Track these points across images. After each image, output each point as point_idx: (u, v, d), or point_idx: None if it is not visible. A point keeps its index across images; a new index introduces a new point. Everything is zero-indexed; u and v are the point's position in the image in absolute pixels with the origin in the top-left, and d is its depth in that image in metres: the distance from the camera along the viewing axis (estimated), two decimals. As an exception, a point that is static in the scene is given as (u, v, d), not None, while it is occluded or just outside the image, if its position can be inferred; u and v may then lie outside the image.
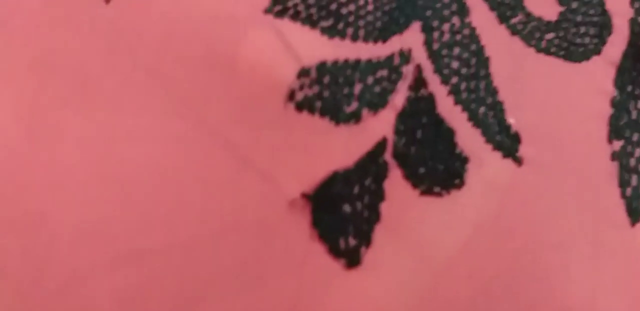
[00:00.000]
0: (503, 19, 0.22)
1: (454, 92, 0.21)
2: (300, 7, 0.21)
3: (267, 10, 0.20)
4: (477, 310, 0.20)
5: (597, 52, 0.23)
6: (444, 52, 0.21)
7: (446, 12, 0.22)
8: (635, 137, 0.22)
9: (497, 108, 0.21)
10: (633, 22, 0.24)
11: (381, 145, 0.20)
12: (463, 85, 0.21)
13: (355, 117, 0.20)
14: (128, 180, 0.19)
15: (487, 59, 0.22)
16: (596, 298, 0.21)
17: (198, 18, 0.20)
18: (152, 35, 0.20)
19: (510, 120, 0.21)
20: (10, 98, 0.20)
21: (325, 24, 0.21)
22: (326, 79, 0.20)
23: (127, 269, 0.18)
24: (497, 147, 0.21)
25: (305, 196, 0.19)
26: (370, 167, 0.20)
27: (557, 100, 0.22)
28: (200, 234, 0.19)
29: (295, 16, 0.21)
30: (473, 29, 0.22)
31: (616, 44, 0.23)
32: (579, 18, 0.23)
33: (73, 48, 0.20)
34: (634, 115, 0.23)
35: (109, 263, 0.18)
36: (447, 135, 0.21)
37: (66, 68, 0.20)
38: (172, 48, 0.20)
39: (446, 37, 0.22)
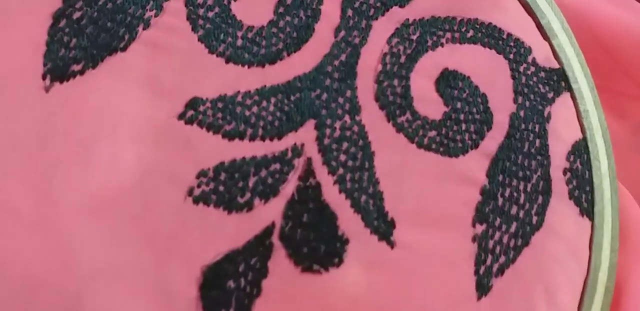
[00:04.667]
0: (391, 117, 0.26)
1: (339, 181, 0.25)
2: (209, 112, 0.25)
3: (179, 117, 0.24)
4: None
5: (475, 146, 0.26)
6: (334, 146, 0.25)
7: (339, 111, 0.26)
8: (497, 222, 0.26)
9: (377, 197, 0.25)
10: (514, 116, 0.27)
11: (268, 229, 0.24)
12: (348, 176, 0.25)
13: (248, 206, 0.24)
14: None
15: (372, 153, 0.25)
16: None
17: None
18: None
19: None
20: None
21: (228, 127, 0.24)
22: (222, 176, 0.24)
23: None
24: (374, 231, 0.25)
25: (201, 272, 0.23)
26: (257, 248, 0.24)
27: (432, 190, 0.26)
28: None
29: (203, 122, 0.24)
30: (362, 126, 0.26)
31: (494, 137, 0.27)
32: (462, 116, 0.27)
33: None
34: (500, 201, 0.26)
35: None
36: (330, 219, 0.24)
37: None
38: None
39: (337, 133, 0.25)
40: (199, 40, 0.26)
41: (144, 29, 0.25)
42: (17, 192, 0.23)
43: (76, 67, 0.25)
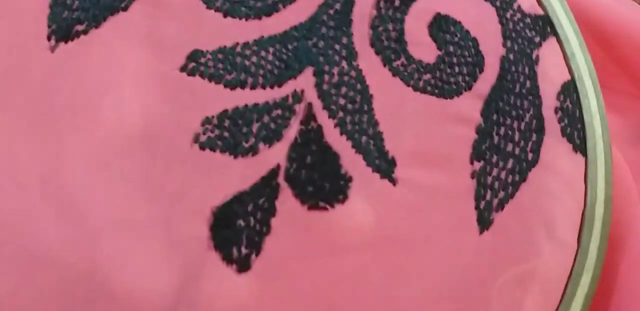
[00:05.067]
0: (386, 62, 0.27)
1: (340, 124, 0.26)
2: (210, 64, 0.26)
3: (182, 69, 0.25)
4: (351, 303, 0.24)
5: (469, 88, 0.27)
6: (333, 91, 0.26)
7: (336, 57, 0.27)
8: (494, 159, 0.27)
9: (377, 137, 0.26)
10: (504, 59, 0.28)
11: (274, 171, 0.25)
12: (348, 119, 0.26)
13: (253, 150, 0.25)
14: None
15: (370, 97, 0.26)
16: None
17: None
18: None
19: None
20: None
21: (229, 77, 0.25)
22: (226, 123, 0.25)
23: None
24: (376, 169, 0.26)
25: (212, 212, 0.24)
26: (264, 189, 0.24)
27: (430, 130, 0.27)
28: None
29: (205, 73, 0.25)
30: (360, 71, 0.27)
31: (487, 79, 0.28)
32: (455, 60, 0.28)
33: None
34: (495, 139, 0.27)
35: None
36: (332, 159, 0.25)
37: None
38: None
39: (335, 78, 0.26)
40: (197, -4, 0.27)
41: (143, -12, 0.26)
42: (26, 149, 0.24)
43: (80, 27, 0.26)
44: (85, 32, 0.26)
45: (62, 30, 0.25)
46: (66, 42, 0.25)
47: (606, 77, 0.35)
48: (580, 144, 0.28)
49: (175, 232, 0.24)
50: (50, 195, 0.24)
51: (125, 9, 0.26)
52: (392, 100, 0.27)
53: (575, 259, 0.27)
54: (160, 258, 0.23)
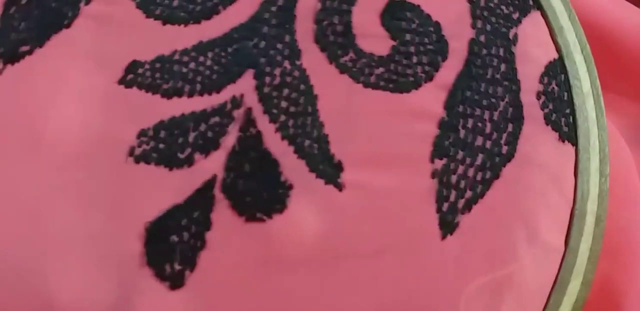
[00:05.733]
0: (333, 58, 0.25)
1: (281, 128, 0.24)
2: (148, 74, 0.25)
3: (120, 81, 0.25)
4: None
5: (429, 79, 0.25)
6: (274, 94, 0.25)
7: (278, 57, 0.25)
8: (459, 155, 0.24)
9: (322, 140, 0.24)
10: (473, 42, 0.25)
11: (210, 183, 0.24)
12: (290, 122, 0.24)
13: (188, 162, 0.24)
14: None
15: (315, 97, 0.25)
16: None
17: None
18: None
19: None
20: None
21: (165, 86, 0.25)
22: (162, 134, 0.24)
23: None
24: (320, 175, 0.24)
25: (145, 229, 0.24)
26: (199, 201, 0.24)
27: (384, 128, 0.24)
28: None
29: (142, 84, 0.25)
30: (303, 70, 0.25)
31: (451, 67, 0.25)
32: (411, 49, 0.25)
33: None
34: (462, 133, 0.24)
35: None
36: (271, 167, 0.24)
37: None
38: None
39: (277, 80, 0.25)
40: (137, 7, 0.26)
41: (85, 4, 0.26)
42: None
43: (25, 48, 0.26)
44: (30, 52, 0.26)
45: (9, 52, 0.26)
46: (12, 64, 0.26)
47: (604, 77, 0.32)
48: (568, 132, 0.25)
49: (111, 247, 0.24)
50: (4, 208, 0.24)
51: (68, 26, 0.26)
52: (339, 99, 0.25)
53: (562, 263, 0.24)
54: (98, 273, 0.23)
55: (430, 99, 0.25)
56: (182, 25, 0.26)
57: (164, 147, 0.24)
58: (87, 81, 0.25)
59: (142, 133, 0.24)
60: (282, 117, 0.24)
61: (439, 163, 0.24)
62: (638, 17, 0.33)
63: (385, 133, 0.24)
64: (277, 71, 0.25)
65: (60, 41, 0.26)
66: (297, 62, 0.25)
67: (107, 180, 0.24)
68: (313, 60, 0.25)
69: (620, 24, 0.33)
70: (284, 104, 0.25)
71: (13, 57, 0.26)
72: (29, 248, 0.24)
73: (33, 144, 0.25)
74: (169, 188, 0.24)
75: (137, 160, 0.24)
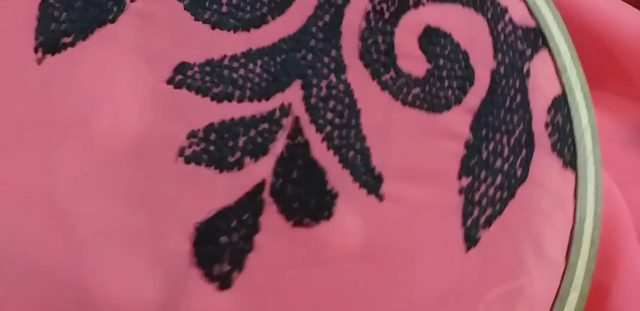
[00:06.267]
0: (375, 75, 0.27)
1: (327, 139, 0.26)
2: (197, 76, 0.25)
3: (169, 81, 0.25)
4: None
5: (458, 102, 0.27)
6: (320, 105, 0.26)
7: (325, 70, 0.26)
8: (482, 174, 0.26)
9: (364, 152, 0.26)
10: (494, 73, 0.28)
11: (259, 186, 0.24)
12: (335, 133, 0.26)
13: (238, 165, 0.25)
14: None
15: (358, 111, 0.26)
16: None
17: None
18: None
19: None
20: None
21: (216, 90, 0.25)
22: (212, 136, 0.25)
23: None
24: (363, 185, 0.25)
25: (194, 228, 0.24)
26: (248, 204, 0.24)
27: (418, 145, 0.26)
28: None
29: (191, 86, 0.25)
30: (348, 85, 0.26)
31: (477, 93, 0.28)
32: (444, 73, 0.27)
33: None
34: (484, 155, 0.27)
35: None
36: (319, 174, 0.25)
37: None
38: None
39: (323, 92, 0.26)
40: (184, 8, 0.26)
41: (131, 1, 0.26)
42: (16, 169, 0.24)
43: (67, 39, 0.25)
44: (72, 44, 0.25)
45: (49, 42, 0.25)
46: (53, 54, 0.25)
47: (602, 78, 0.35)
48: (570, 159, 0.28)
49: (159, 246, 0.24)
50: (38, 206, 0.24)
51: (113, 21, 0.26)
52: (380, 114, 0.26)
53: (563, 276, 0.27)
54: (144, 271, 0.23)
55: (458, 121, 0.27)
56: (232, 32, 0.26)
57: (214, 149, 0.25)
58: (133, 78, 0.25)
59: (192, 134, 0.25)
60: (328, 128, 0.26)
61: (465, 181, 0.26)
62: (637, 18, 0.35)
63: (419, 149, 0.26)
64: (324, 83, 0.26)
65: (104, 35, 0.26)
66: (342, 76, 0.26)
67: (156, 178, 0.24)
68: (357, 75, 0.27)
69: (619, 25, 0.35)
70: (329, 116, 0.26)
71: (54, 48, 0.25)
72: (66, 241, 0.23)
73: (82, 138, 0.24)
74: (219, 189, 0.24)
75: (188, 161, 0.24)
